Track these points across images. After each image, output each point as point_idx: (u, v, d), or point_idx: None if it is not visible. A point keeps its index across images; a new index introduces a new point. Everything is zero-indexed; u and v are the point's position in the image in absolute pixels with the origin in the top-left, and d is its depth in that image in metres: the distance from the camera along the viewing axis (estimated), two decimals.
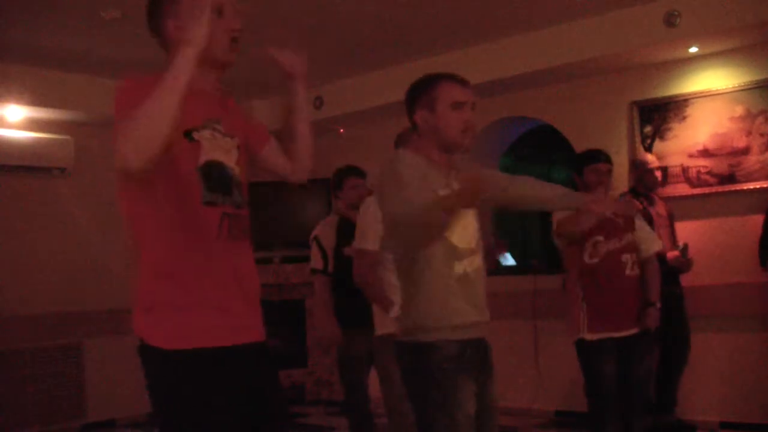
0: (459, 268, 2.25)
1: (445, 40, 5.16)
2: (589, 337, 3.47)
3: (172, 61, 1.60)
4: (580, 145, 5.29)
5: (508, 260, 6.15)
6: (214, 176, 1.74)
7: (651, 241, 3.70)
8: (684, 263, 4.41)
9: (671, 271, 4.38)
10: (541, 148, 7.36)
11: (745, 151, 4.61)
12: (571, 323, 3.55)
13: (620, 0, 4.51)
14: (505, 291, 5.51)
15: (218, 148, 1.76)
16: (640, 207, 3.99)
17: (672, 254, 4.39)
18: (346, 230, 3.80)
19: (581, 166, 3.62)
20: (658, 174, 4.60)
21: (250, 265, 1.85)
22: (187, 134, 1.69)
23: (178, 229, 1.71)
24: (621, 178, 4.71)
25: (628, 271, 3.53)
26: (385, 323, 3.36)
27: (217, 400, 1.69)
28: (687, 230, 4.70)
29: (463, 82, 2.39)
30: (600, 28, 4.75)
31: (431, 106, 2.32)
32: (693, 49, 4.68)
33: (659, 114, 4.93)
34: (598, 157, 3.62)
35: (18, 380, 5.21)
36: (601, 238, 3.51)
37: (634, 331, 3.51)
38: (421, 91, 2.37)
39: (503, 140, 6.36)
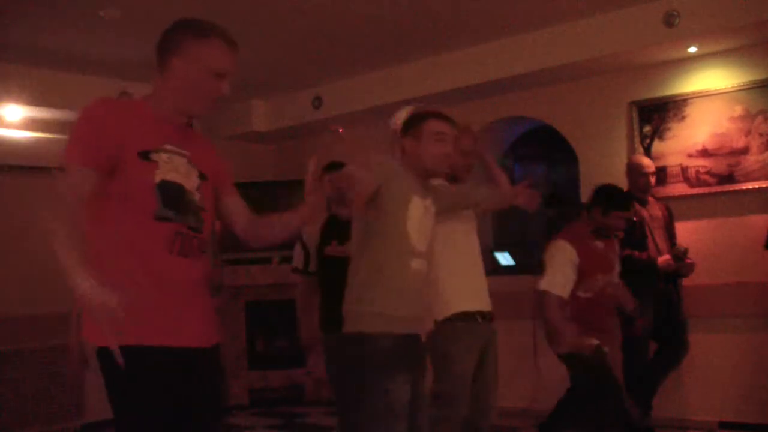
0: (415, 264, 2.51)
1: (445, 40, 5.16)
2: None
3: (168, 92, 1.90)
4: (579, 145, 5.30)
5: (508, 260, 6.15)
6: (170, 195, 1.85)
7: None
8: (681, 267, 4.38)
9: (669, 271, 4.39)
10: (540, 148, 7.36)
11: (744, 151, 4.61)
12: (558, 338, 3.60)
13: (619, 0, 4.52)
14: (505, 291, 5.51)
15: (175, 170, 1.87)
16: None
17: (662, 259, 4.35)
18: (332, 228, 3.68)
19: (610, 209, 3.63)
20: (653, 178, 4.58)
21: (199, 280, 1.96)
22: (144, 154, 1.83)
23: (129, 240, 1.82)
24: (620, 179, 4.71)
25: (611, 303, 3.74)
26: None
27: (161, 394, 1.82)
28: (686, 230, 4.70)
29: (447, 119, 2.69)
30: (599, 28, 4.75)
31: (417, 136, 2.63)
32: (692, 49, 4.68)
33: (658, 114, 4.94)
34: (629, 206, 3.72)
35: (18, 380, 5.22)
36: (600, 275, 3.62)
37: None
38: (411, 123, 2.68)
39: (503, 140, 6.36)
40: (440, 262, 2.95)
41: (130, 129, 1.84)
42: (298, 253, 3.82)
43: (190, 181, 1.91)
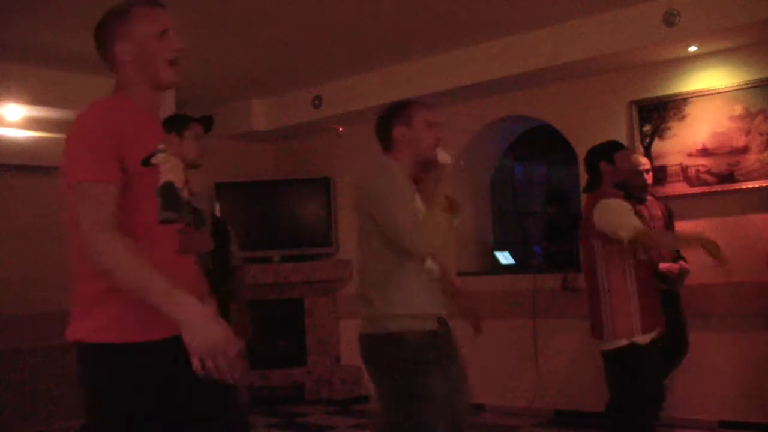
0: (428, 264, 2.55)
1: (445, 40, 5.16)
2: (641, 340, 3.30)
3: (125, 87, 1.91)
4: (579, 145, 5.30)
5: (508, 259, 6.15)
6: (170, 197, 1.84)
7: None
8: (673, 280, 4.33)
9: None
10: (540, 148, 7.37)
11: (744, 150, 4.61)
12: (614, 327, 3.34)
13: None
14: (505, 290, 5.52)
15: (170, 169, 1.86)
16: None
17: (665, 266, 4.35)
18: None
19: (611, 154, 3.47)
20: (649, 176, 4.57)
21: (196, 275, 1.98)
22: (146, 160, 1.80)
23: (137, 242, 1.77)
24: None
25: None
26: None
27: (167, 386, 1.78)
28: (686, 229, 4.70)
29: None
30: (599, 28, 4.75)
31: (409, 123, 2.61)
32: (692, 48, 4.68)
33: (658, 113, 4.94)
34: (623, 144, 3.55)
35: (18, 380, 5.22)
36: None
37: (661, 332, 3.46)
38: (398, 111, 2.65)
39: (502, 140, 6.36)
40: None
41: (132, 135, 1.79)
42: None
43: (179, 177, 1.90)
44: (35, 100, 5.17)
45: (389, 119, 2.63)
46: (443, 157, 3.06)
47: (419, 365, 2.42)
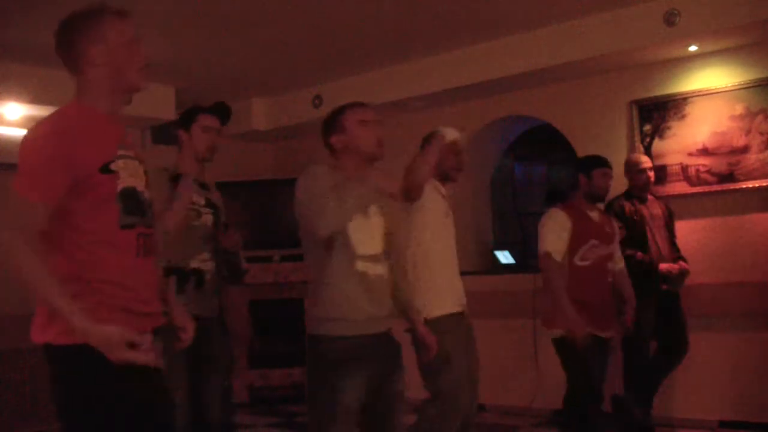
0: (360, 267, 2.51)
1: (445, 40, 5.16)
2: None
3: (87, 97, 1.95)
4: (579, 144, 5.30)
5: (508, 258, 6.15)
6: (131, 201, 1.90)
7: (620, 258, 3.92)
8: (673, 280, 4.40)
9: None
10: (540, 148, 7.37)
11: (745, 149, 4.61)
12: (553, 318, 3.64)
13: None
14: (505, 290, 5.52)
15: (131, 174, 1.92)
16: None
17: (665, 266, 4.36)
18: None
19: (590, 169, 3.75)
20: (651, 174, 4.57)
21: (156, 277, 2.05)
22: (105, 168, 1.85)
23: (96, 247, 1.85)
24: (620, 178, 4.71)
25: (609, 279, 3.76)
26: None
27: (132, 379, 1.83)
28: (686, 229, 4.70)
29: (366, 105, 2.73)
30: (599, 27, 4.75)
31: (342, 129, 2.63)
32: (692, 48, 4.68)
33: (659, 113, 4.94)
34: (606, 162, 3.82)
35: (18, 380, 5.21)
36: (596, 242, 3.66)
37: (609, 334, 3.72)
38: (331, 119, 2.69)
39: (502, 139, 6.36)
40: (424, 258, 3.07)
41: (88, 144, 1.85)
42: None
43: (140, 181, 1.95)
44: (35, 100, 5.17)
45: (325, 130, 2.70)
46: (450, 134, 3.12)
47: (332, 369, 2.45)
